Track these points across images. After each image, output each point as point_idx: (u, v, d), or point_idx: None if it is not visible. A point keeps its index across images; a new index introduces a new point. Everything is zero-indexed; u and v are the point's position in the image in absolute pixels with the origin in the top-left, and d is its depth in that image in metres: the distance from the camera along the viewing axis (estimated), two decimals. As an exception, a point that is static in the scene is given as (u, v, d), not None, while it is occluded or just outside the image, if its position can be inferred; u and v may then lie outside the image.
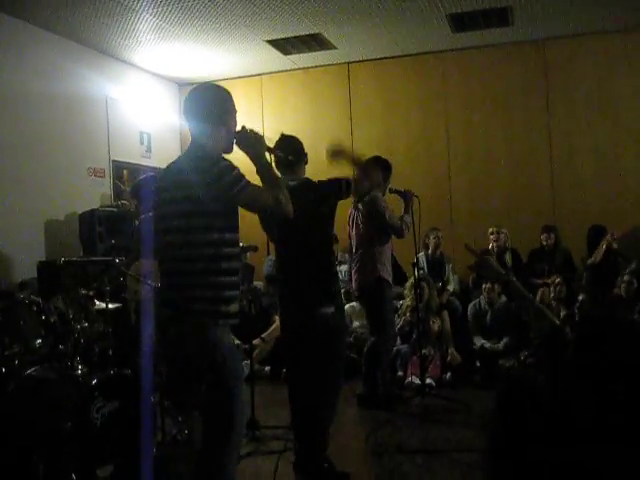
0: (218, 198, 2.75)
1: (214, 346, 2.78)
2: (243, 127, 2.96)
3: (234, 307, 2.89)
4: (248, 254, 8.13)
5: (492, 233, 7.75)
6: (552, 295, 6.63)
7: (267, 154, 3.06)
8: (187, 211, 2.80)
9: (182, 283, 2.85)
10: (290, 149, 3.95)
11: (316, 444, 4.05)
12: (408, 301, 6.79)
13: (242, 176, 2.79)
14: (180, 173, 2.88)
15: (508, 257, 7.70)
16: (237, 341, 6.98)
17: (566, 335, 4.58)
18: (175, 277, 2.87)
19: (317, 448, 4.05)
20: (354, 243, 5.69)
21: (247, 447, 4.65)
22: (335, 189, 4.08)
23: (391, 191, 5.73)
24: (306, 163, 4.39)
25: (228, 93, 3.00)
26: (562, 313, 6.45)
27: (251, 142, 2.92)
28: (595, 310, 6.02)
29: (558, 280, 6.68)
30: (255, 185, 2.85)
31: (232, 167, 2.79)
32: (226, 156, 2.96)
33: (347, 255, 6.88)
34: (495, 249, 7.71)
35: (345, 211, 5.71)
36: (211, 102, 2.93)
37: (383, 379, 5.65)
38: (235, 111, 3.00)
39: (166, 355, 3.12)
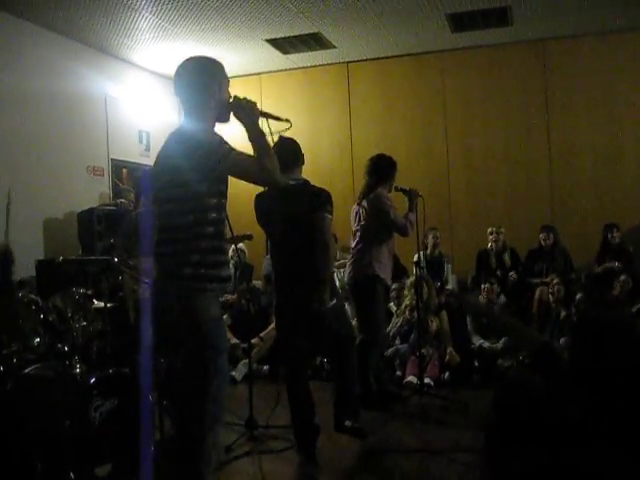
0: (200, 170, 2.74)
1: (196, 312, 2.75)
2: (235, 97, 2.93)
3: (225, 271, 2.88)
4: (247, 253, 8.14)
5: (491, 233, 7.78)
6: (551, 296, 6.62)
7: (263, 120, 3.02)
8: (172, 181, 2.81)
9: (171, 250, 2.84)
10: (287, 151, 3.99)
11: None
12: (407, 300, 6.78)
13: (224, 146, 2.75)
14: (168, 150, 2.90)
15: (507, 257, 7.72)
16: (235, 340, 7.02)
17: (555, 349, 4.58)
18: (165, 245, 2.87)
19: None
20: (355, 238, 5.65)
21: (245, 446, 4.65)
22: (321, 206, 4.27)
23: (396, 189, 5.67)
24: (302, 164, 4.42)
25: (214, 62, 2.96)
26: (562, 314, 6.45)
27: (245, 111, 2.89)
28: (592, 311, 6.02)
29: (556, 280, 6.69)
30: (240, 153, 2.80)
31: (215, 144, 2.76)
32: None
33: (347, 255, 6.86)
34: (494, 248, 7.74)
35: (345, 211, 5.71)
36: (195, 73, 2.90)
37: (377, 378, 5.59)
38: (225, 80, 2.96)
39: (153, 320, 3.07)
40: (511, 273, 7.53)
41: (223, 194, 2.87)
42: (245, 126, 2.89)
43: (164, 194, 2.87)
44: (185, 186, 2.76)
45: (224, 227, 2.92)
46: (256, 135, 2.85)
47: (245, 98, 2.91)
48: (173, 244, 2.84)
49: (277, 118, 3.04)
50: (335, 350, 4.68)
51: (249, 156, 2.83)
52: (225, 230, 2.95)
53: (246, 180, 2.88)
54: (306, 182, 4.35)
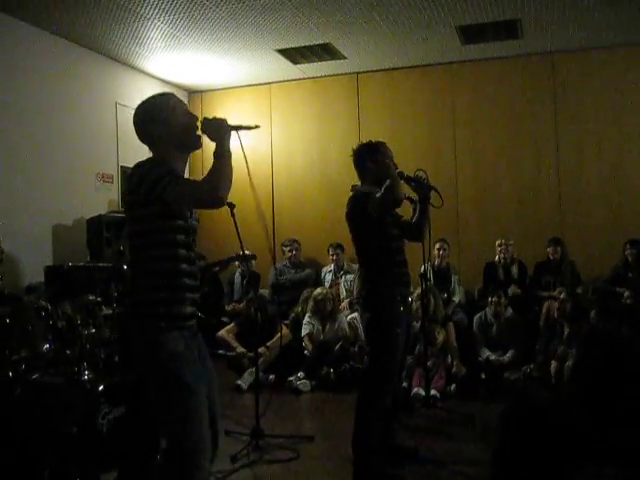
0: (145, 202, 2.72)
1: (151, 350, 2.71)
2: (204, 118, 2.92)
3: (179, 309, 2.77)
4: (253, 262, 8.13)
5: (500, 245, 7.79)
6: (557, 311, 6.59)
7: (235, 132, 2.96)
8: (129, 217, 2.86)
9: (130, 287, 2.87)
10: None
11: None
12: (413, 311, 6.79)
13: (164, 175, 2.71)
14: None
15: (515, 269, 7.71)
16: (241, 349, 7.03)
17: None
18: (127, 281, 2.91)
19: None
20: None
21: (251, 456, 4.65)
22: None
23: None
24: None
25: (153, 103, 3.00)
26: (565, 331, 6.42)
27: (214, 128, 2.87)
28: (601, 326, 6.01)
29: (563, 295, 6.63)
30: (182, 181, 2.78)
31: (151, 170, 2.74)
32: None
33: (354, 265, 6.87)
34: (502, 260, 7.74)
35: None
36: (138, 120, 2.97)
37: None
38: (175, 109, 2.95)
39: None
40: (511, 287, 7.50)
41: (179, 227, 2.82)
42: (215, 142, 2.85)
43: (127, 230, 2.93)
44: (137, 222, 2.81)
45: (182, 263, 2.82)
46: (221, 152, 2.79)
47: (214, 117, 2.90)
48: (131, 280, 2.87)
49: (247, 127, 2.98)
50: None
51: (196, 180, 2.81)
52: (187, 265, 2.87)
53: (193, 205, 2.87)
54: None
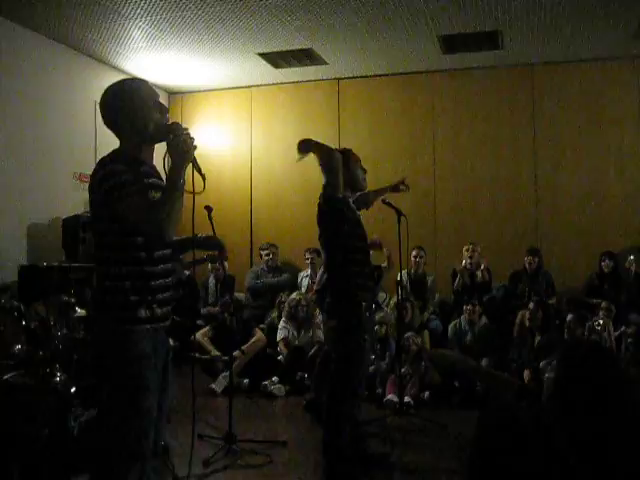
0: (103, 203, 2.64)
1: (123, 350, 2.66)
2: (175, 123, 2.74)
3: (145, 311, 2.71)
4: (227, 265, 8.08)
5: (467, 250, 7.82)
6: (528, 321, 6.62)
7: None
8: (92, 215, 2.77)
9: (96, 286, 2.78)
10: None
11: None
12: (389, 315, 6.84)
13: (123, 185, 2.59)
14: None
15: (480, 274, 7.72)
16: (216, 352, 7.00)
17: (530, 389, 4.60)
18: (94, 279, 2.81)
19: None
20: None
21: (224, 460, 4.62)
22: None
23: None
24: None
25: (121, 88, 2.81)
26: (536, 339, 6.46)
27: (180, 151, 2.66)
28: (577, 336, 6.07)
29: (532, 305, 6.67)
30: (140, 198, 2.63)
31: (115, 173, 2.62)
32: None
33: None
34: (468, 265, 7.76)
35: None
36: (106, 105, 2.80)
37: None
38: (144, 101, 2.77)
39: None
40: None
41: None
42: (172, 162, 2.67)
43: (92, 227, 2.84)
44: (100, 221, 2.71)
45: (146, 265, 2.73)
46: (176, 179, 2.64)
47: (189, 137, 2.68)
48: (96, 279, 2.77)
49: (199, 171, 2.75)
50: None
51: (147, 204, 2.65)
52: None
53: (134, 227, 2.66)
54: None
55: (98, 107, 2.84)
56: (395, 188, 5.19)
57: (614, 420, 1.47)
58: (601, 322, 6.35)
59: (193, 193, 2.73)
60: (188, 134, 2.68)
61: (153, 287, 2.73)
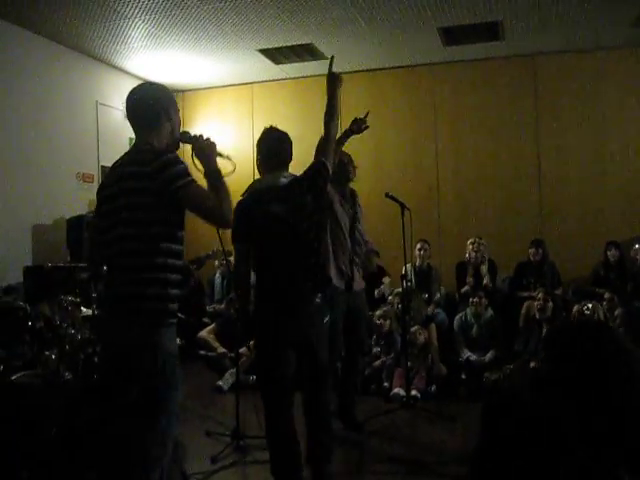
0: (160, 192, 2.62)
1: (157, 348, 2.61)
2: (185, 132, 2.92)
3: (177, 306, 2.75)
4: (231, 259, 8.08)
5: (472, 243, 7.77)
6: (537, 312, 6.62)
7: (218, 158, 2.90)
8: (132, 204, 2.67)
9: (131, 279, 2.67)
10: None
11: None
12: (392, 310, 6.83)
13: (187, 172, 2.66)
14: (123, 167, 2.77)
15: (484, 268, 7.68)
16: (222, 349, 7.01)
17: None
18: (123, 273, 2.70)
19: None
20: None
21: (232, 457, 4.63)
22: (311, 174, 4.05)
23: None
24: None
25: (168, 91, 2.99)
26: (544, 330, 6.45)
27: (204, 149, 2.82)
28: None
29: (542, 295, 6.66)
30: (200, 186, 2.69)
31: (177, 161, 2.66)
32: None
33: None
34: (472, 259, 7.71)
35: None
36: (156, 98, 2.86)
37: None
38: (177, 108, 2.93)
39: (103, 352, 2.96)
40: (486, 277, 7.55)
41: (182, 224, 2.77)
42: (202, 163, 2.81)
43: (121, 216, 2.73)
44: (145, 210, 2.67)
45: (182, 260, 2.79)
46: (213, 173, 2.78)
47: (208, 138, 2.87)
48: (132, 272, 2.68)
49: (225, 156, 2.94)
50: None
51: (208, 192, 2.72)
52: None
53: (197, 213, 2.72)
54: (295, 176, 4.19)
55: (136, 101, 2.88)
56: (353, 130, 5.09)
57: (619, 394, 1.46)
58: (590, 306, 6.37)
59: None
60: (207, 139, 2.85)
61: (175, 281, 2.73)
